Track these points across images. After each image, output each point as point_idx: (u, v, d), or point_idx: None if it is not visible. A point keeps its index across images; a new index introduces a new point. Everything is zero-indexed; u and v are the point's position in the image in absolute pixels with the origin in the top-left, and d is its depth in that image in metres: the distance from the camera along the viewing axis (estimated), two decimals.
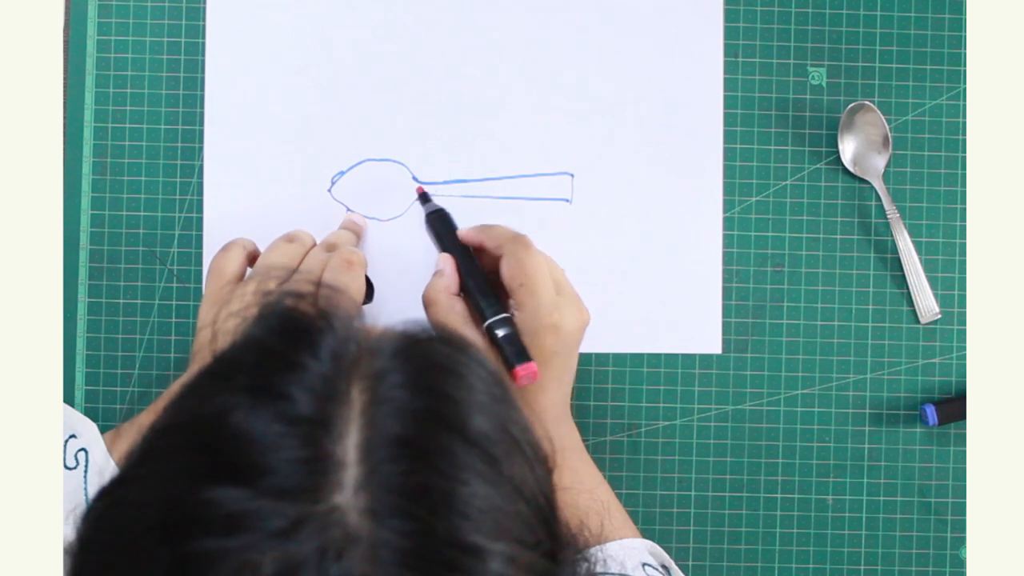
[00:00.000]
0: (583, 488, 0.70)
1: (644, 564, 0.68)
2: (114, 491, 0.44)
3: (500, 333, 0.69)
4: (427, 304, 0.72)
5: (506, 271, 0.70)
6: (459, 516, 0.41)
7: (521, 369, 0.67)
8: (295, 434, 0.41)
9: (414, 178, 0.80)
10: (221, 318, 0.68)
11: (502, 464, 0.43)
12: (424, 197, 0.78)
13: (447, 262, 0.73)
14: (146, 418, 0.71)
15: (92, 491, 0.67)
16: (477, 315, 0.71)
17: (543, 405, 0.71)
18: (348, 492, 0.40)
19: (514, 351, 0.68)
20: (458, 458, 0.42)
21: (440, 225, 0.75)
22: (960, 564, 0.79)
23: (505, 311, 0.70)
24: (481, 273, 0.72)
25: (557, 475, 0.69)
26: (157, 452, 0.44)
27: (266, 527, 0.39)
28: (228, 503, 0.39)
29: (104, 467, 0.68)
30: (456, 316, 0.71)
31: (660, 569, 0.69)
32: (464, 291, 0.72)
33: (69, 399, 0.78)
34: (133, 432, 0.70)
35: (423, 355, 0.45)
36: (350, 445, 0.41)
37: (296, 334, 0.44)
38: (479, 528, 0.41)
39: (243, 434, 0.41)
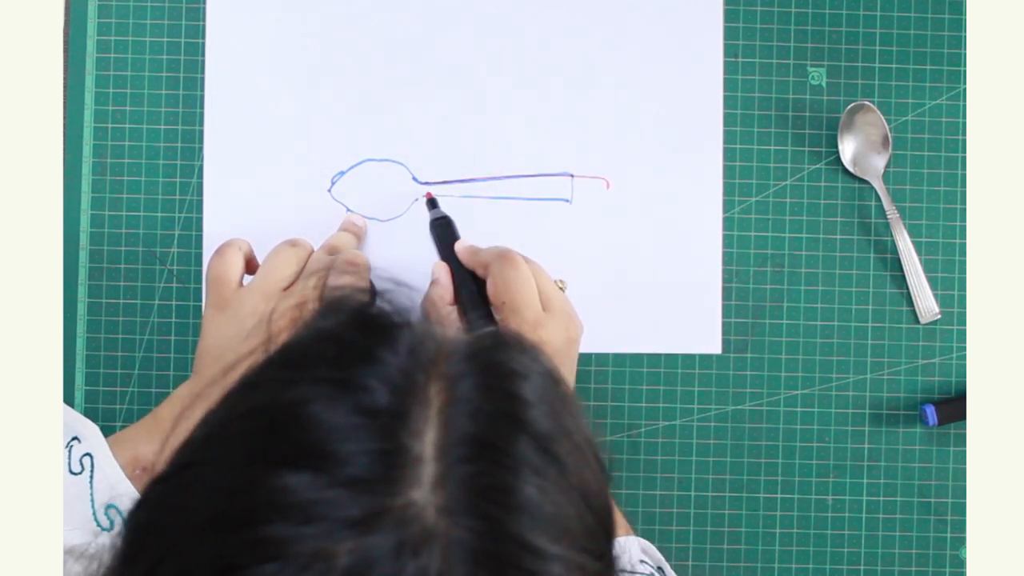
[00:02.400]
0: None
1: (641, 561, 0.69)
2: (176, 476, 0.44)
3: None
4: (428, 308, 0.72)
5: (490, 289, 0.71)
6: (529, 518, 0.41)
7: None
8: (373, 426, 0.41)
9: (414, 179, 0.80)
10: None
11: (570, 469, 0.44)
12: (432, 203, 0.78)
13: (443, 272, 0.73)
14: (147, 426, 0.71)
15: (99, 498, 0.67)
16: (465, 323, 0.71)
17: None
18: (425, 488, 0.40)
19: None
20: (530, 461, 0.42)
21: (442, 233, 0.76)
22: (960, 564, 0.79)
23: (491, 322, 0.70)
24: (474, 286, 0.72)
25: None
26: (226, 437, 0.44)
27: (341, 516, 0.39)
28: (302, 490, 0.39)
29: (111, 473, 0.68)
30: (449, 325, 0.70)
31: (657, 571, 0.69)
32: (457, 302, 0.72)
33: (69, 399, 0.78)
34: (133, 441, 0.70)
35: (497, 360, 0.46)
36: (427, 442, 0.41)
37: (375, 329, 0.45)
38: (547, 531, 0.41)
39: (321, 423, 0.41)
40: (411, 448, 0.41)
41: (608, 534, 0.46)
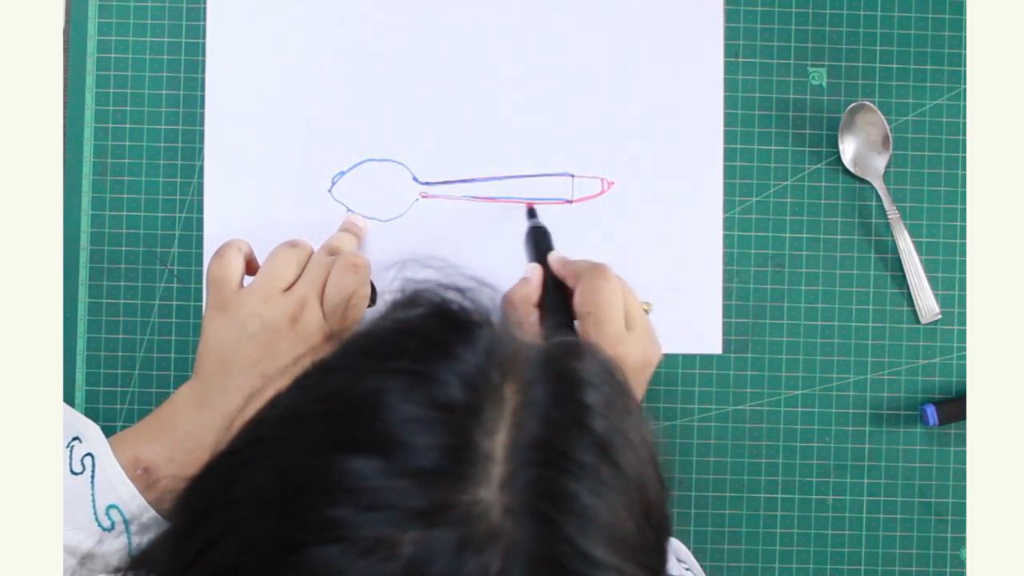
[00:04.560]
0: None
1: (679, 560, 0.69)
2: (246, 450, 0.44)
3: None
4: (507, 305, 0.72)
5: (577, 298, 0.70)
6: (589, 526, 0.41)
7: None
8: (447, 420, 0.41)
9: (414, 179, 0.80)
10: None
11: (632, 481, 0.44)
12: (531, 212, 0.78)
13: (535, 272, 0.73)
14: (148, 426, 0.71)
15: (101, 498, 0.67)
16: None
17: None
18: (493, 487, 0.40)
19: None
20: (594, 470, 0.43)
21: (539, 241, 0.75)
22: (960, 564, 0.79)
23: (569, 333, 0.69)
24: (561, 296, 0.72)
25: None
26: (300, 417, 0.44)
27: (408, 506, 0.39)
28: (372, 476, 0.40)
29: (112, 474, 0.68)
30: (529, 327, 0.70)
31: (686, 571, 0.69)
32: (541, 306, 0.72)
33: (69, 399, 0.78)
34: (134, 441, 0.70)
35: (567, 368, 0.46)
36: (498, 442, 0.42)
37: (455, 326, 0.45)
38: (606, 541, 0.42)
39: (396, 413, 0.41)
40: (482, 446, 0.41)
41: (664, 551, 0.46)
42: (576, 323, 0.71)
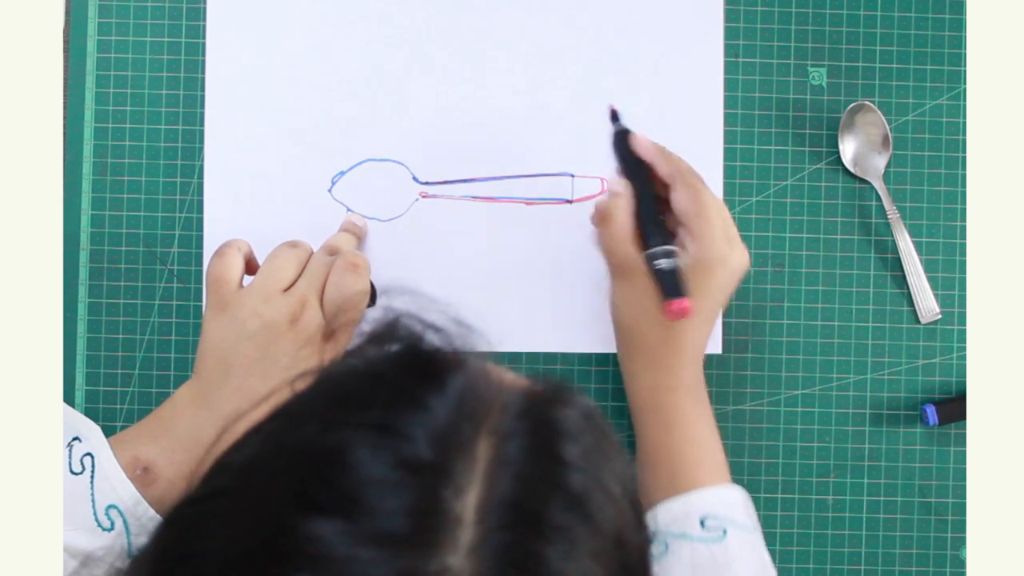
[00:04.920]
0: (696, 437, 0.71)
1: (708, 516, 0.68)
2: (211, 502, 0.43)
3: (661, 264, 0.68)
4: (602, 221, 0.71)
5: (682, 200, 0.70)
6: None
7: (675, 304, 0.66)
8: (414, 483, 0.39)
9: (414, 179, 0.80)
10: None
11: (608, 534, 0.42)
12: (614, 115, 0.76)
13: (626, 186, 0.72)
14: (148, 427, 0.71)
15: (100, 498, 0.67)
16: (641, 240, 0.70)
17: (690, 339, 0.71)
18: (461, 554, 0.39)
19: (671, 285, 0.67)
20: (567, 530, 0.41)
21: (624, 147, 0.73)
22: (960, 564, 0.79)
23: (670, 243, 0.69)
24: (655, 201, 0.71)
25: (680, 420, 0.70)
26: (266, 471, 0.42)
27: (370, 575, 0.38)
28: (336, 543, 0.38)
29: (112, 474, 0.68)
30: (630, 237, 0.70)
31: (735, 523, 0.69)
32: (638, 227, 0.71)
33: (69, 399, 0.78)
34: (134, 441, 0.70)
35: (547, 420, 0.44)
36: (469, 502, 0.40)
37: (428, 371, 0.43)
38: None
39: (362, 473, 0.39)
40: (451, 508, 0.39)
41: None
42: (681, 229, 0.70)
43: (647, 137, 0.73)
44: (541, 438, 0.43)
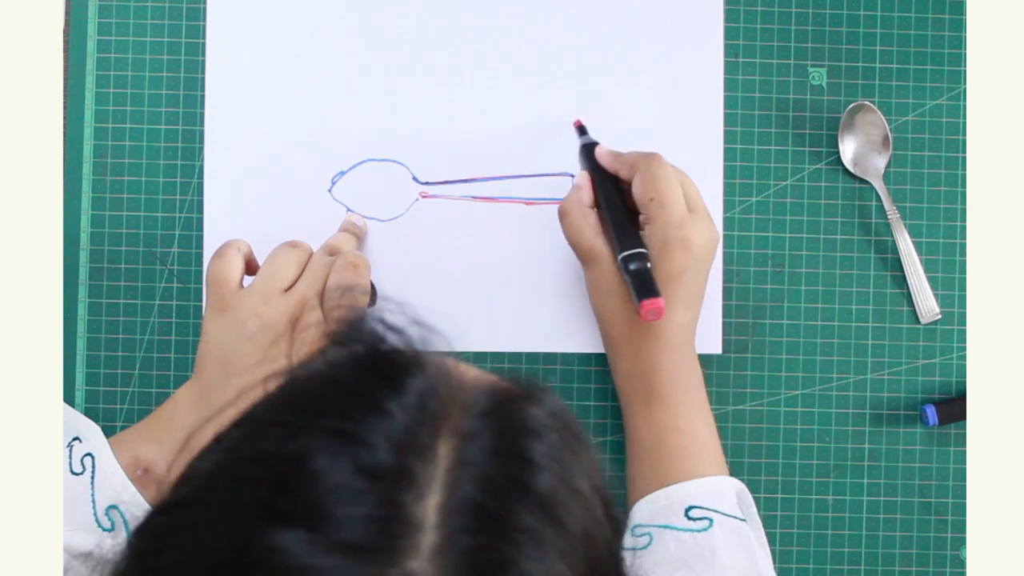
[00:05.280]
0: (677, 425, 0.71)
1: (692, 507, 0.68)
2: (178, 511, 0.43)
3: (632, 267, 0.69)
4: (561, 215, 0.73)
5: (637, 187, 0.71)
6: None
7: (648, 304, 0.67)
8: (374, 490, 0.39)
9: (414, 179, 0.80)
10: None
11: (576, 534, 0.42)
12: (581, 130, 0.78)
13: (584, 179, 0.74)
14: (148, 427, 0.71)
15: (101, 499, 0.67)
16: (611, 239, 0.71)
17: (666, 329, 0.71)
18: (423, 559, 0.38)
19: (641, 286, 0.68)
20: (532, 532, 0.41)
21: (590, 155, 0.75)
22: (960, 564, 0.79)
23: (639, 244, 0.70)
24: (621, 202, 0.72)
25: (659, 407, 0.70)
26: (229, 481, 0.42)
27: None
28: (299, 553, 0.38)
29: (112, 474, 0.68)
30: (588, 227, 0.72)
31: (722, 513, 0.68)
32: (601, 217, 0.73)
33: (69, 399, 0.78)
34: (134, 442, 0.70)
35: (511, 418, 0.44)
36: (430, 506, 0.39)
37: (387, 373, 0.43)
38: None
39: (323, 482, 0.39)
40: (413, 514, 0.39)
41: None
42: (640, 216, 0.71)
43: (604, 146, 0.75)
44: (505, 438, 0.43)
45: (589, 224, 0.72)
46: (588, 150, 0.76)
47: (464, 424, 0.42)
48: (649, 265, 0.69)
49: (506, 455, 0.42)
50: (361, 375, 0.43)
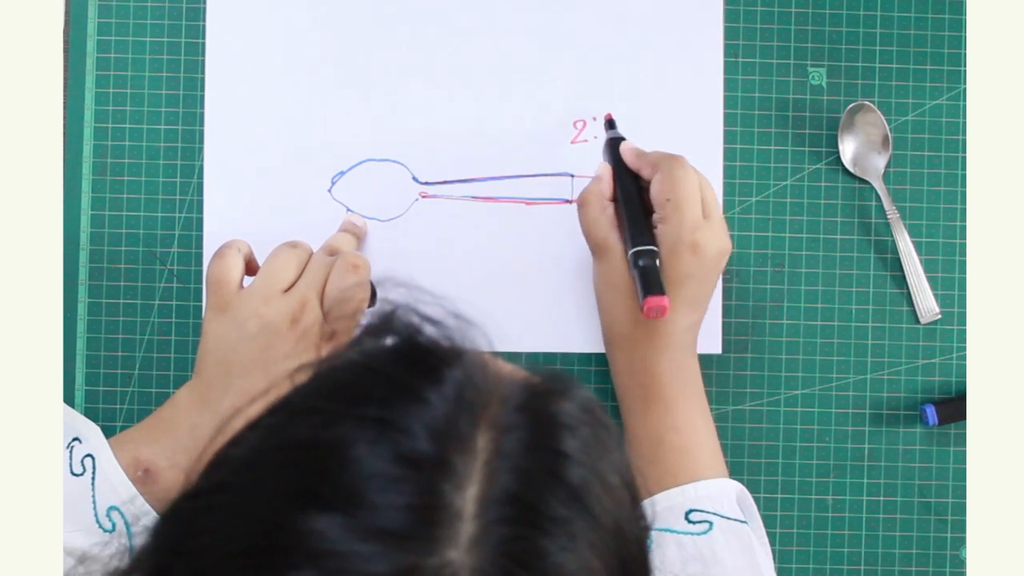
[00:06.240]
0: (676, 426, 0.71)
1: (693, 510, 0.68)
2: (210, 496, 0.43)
3: (640, 263, 0.69)
4: (580, 204, 0.73)
5: (656, 185, 0.71)
6: None
7: (652, 301, 0.67)
8: (414, 478, 0.40)
9: (414, 179, 0.80)
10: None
11: (607, 527, 0.43)
12: (610, 123, 0.78)
13: (605, 170, 0.74)
14: (148, 427, 0.71)
15: (101, 500, 0.67)
16: (624, 234, 0.72)
17: (667, 328, 0.71)
18: (461, 548, 0.39)
19: (648, 282, 0.68)
20: (566, 522, 0.41)
21: (615, 150, 0.75)
22: (960, 564, 0.79)
23: (651, 242, 0.70)
24: (639, 199, 0.72)
25: (658, 408, 0.70)
26: (264, 465, 0.42)
27: (371, 571, 0.38)
28: (336, 538, 0.38)
29: (112, 475, 0.68)
30: (605, 219, 0.72)
31: (722, 516, 0.69)
32: (617, 211, 0.73)
33: (69, 399, 0.78)
34: (134, 442, 0.70)
35: (546, 412, 0.44)
36: (469, 497, 0.40)
37: (425, 364, 0.43)
38: None
39: (362, 469, 0.39)
40: (451, 503, 0.39)
41: None
42: (654, 215, 0.71)
43: (631, 143, 0.75)
44: (540, 431, 0.43)
45: (607, 216, 0.72)
46: (613, 144, 0.75)
47: (501, 417, 0.43)
48: (658, 263, 0.69)
49: (541, 448, 0.43)
50: (399, 365, 0.44)
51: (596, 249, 0.73)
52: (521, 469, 0.41)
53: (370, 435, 0.40)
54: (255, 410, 0.45)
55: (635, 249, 0.70)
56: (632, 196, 0.73)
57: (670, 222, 0.70)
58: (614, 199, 0.73)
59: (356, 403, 0.42)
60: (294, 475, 0.41)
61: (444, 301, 0.49)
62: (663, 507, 0.68)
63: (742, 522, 0.69)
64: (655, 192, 0.71)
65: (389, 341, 0.46)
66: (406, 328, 0.46)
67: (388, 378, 0.43)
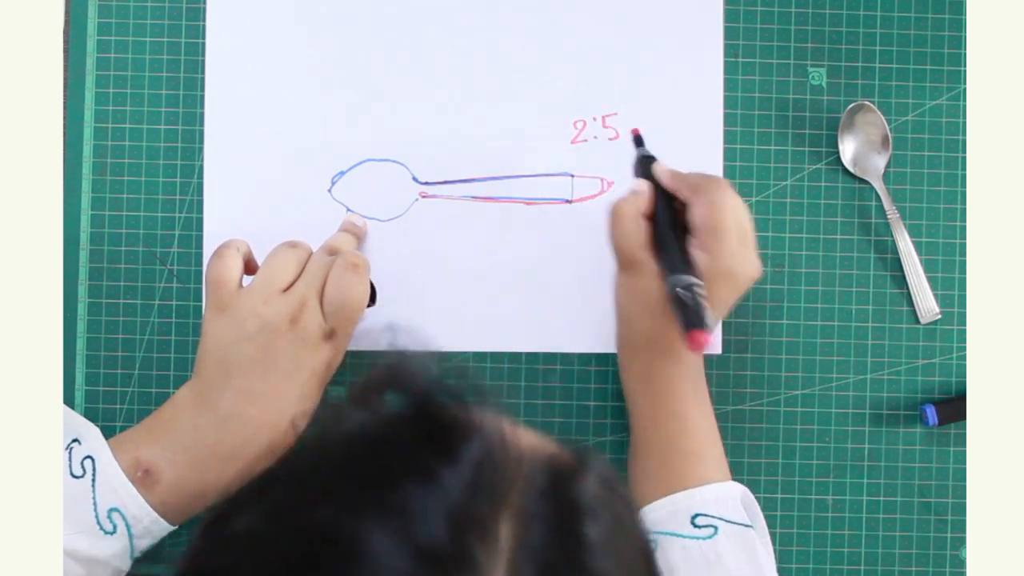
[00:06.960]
0: (684, 429, 0.71)
1: (698, 515, 0.68)
2: (216, 573, 0.40)
3: (683, 294, 0.66)
4: (614, 214, 0.70)
5: (698, 211, 0.68)
6: None
7: (699, 336, 0.64)
8: (435, 574, 0.37)
9: (414, 179, 0.80)
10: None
11: None
12: (638, 140, 0.76)
13: (646, 186, 0.71)
14: (149, 428, 0.70)
15: (102, 502, 0.67)
16: (660, 257, 0.70)
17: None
18: None
19: (694, 317, 0.65)
20: None
21: (646, 175, 0.73)
22: (960, 564, 0.79)
23: (693, 272, 0.67)
24: (675, 223, 0.70)
25: (670, 416, 0.70)
26: (272, 549, 0.39)
27: None
28: None
29: (113, 476, 0.68)
30: (639, 235, 0.70)
31: (727, 520, 0.69)
32: (654, 234, 0.71)
33: (69, 399, 0.78)
34: (134, 443, 0.70)
35: (569, 498, 0.42)
36: None
37: (439, 440, 0.40)
38: None
39: (380, 567, 0.37)
40: None
41: None
42: (691, 239, 0.69)
43: (664, 164, 0.72)
44: (564, 517, 0.41)
45: (641, 231, 0.70)
46: (646, 163, 0.73)
47: (525, 504, 0.40)
48: (702, 296, 0.66)
49: (566, 537, 0.41)
50: (414, 439, 0.41)
51: (625, 263, 0.71)
52: (546, 561, 0.39)
53: (387, 526, 0.38)
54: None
55: (680, 280, 0.67)
56: (670, 218, 0.70)
57: (711, 251, 0.68)
58: (648, 217, 0.71)
59: (369, 486, 0.39)
60: (304, 564, 0.38)
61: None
62: (669, 511, 0.69)
63: (747, 526, 0.69)
64: (698, 217, 0.68)
65: (398, 400, 0.43)
66: (414, 387, 0.43)
67: (401, 456, 0.40)
